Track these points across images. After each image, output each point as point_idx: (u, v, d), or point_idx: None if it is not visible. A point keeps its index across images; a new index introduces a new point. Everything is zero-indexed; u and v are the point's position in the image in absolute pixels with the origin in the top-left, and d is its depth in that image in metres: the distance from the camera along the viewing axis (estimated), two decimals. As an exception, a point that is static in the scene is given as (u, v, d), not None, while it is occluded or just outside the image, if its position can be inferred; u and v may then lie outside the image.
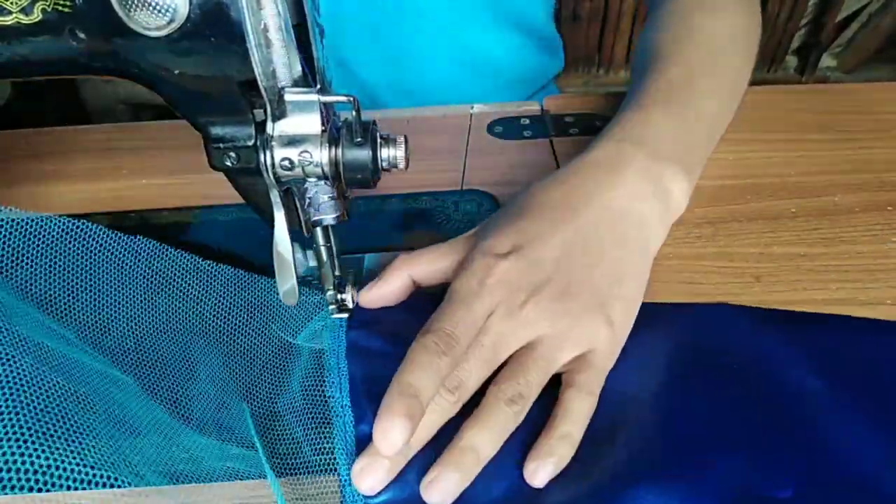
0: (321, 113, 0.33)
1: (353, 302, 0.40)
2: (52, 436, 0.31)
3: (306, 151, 0.33)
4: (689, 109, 0.45)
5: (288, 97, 0.32)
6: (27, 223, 0.40)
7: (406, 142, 0.36)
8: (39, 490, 0.28)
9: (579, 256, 0.37)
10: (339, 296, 0.40)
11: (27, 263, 0.40)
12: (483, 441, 0.32)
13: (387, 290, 0.39)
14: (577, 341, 0.36)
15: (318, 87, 0.33)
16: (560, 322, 0.35)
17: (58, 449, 0.30)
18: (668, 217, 0.43)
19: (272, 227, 0.39)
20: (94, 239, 0.41)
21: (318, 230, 0.38)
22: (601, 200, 0.39)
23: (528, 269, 0.36)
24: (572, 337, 0.36)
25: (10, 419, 0.30)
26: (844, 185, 0.54)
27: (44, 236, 0.41)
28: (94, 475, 0.30)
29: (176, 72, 0.32)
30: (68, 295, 0.40)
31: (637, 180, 0.40)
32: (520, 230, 0.38)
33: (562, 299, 0.36)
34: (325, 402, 0.37)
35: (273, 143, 0.33)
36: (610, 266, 0.38)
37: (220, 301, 0.42)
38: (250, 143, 0.33)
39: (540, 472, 0.32)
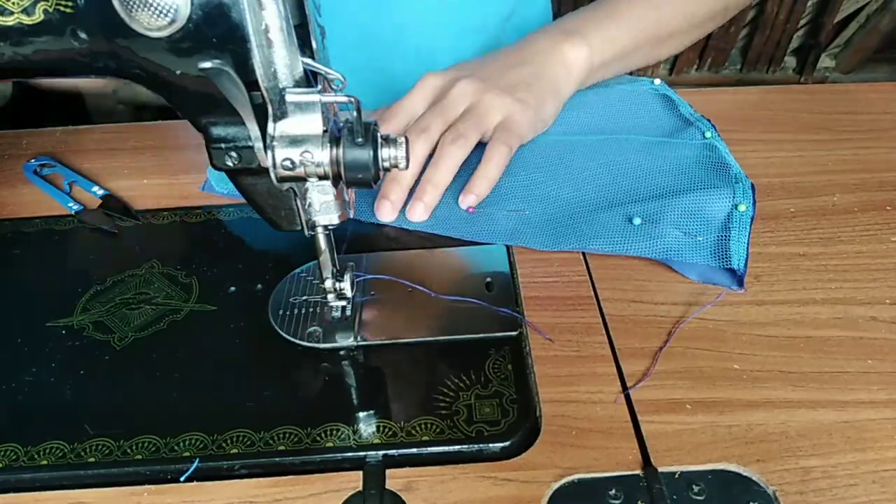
0: (323, 113, 0.33)
1: (352, 291, 0.42)
2: None
3: (308, 151, 0.33)
4: (614, 9, 0.61)
5: (289, 98, 0.33)
6: None
7: (406, 142, 0.36)
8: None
9: (499, 65, 0.57)
10: (337, 285, 0.41)
11: None
12: (439, 176, 0.50)
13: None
14: (498, 108, 0.53)
15: (319, 87, 0.33)
16: (485, 95, 0.53)
17: None
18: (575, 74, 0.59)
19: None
20: None
21: (319, 229, 0.38)
22: (520, 45, 0.59)
23: (459, 70, 0.56)
24: (494, 105, 0.53)
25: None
26: (843, 185, 0.54)
27: None
28: None
29: (177, 72, 0.32)
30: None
31: (545, 38, 0.59)
32: (459, 67, 0.57)
33: (485, 83, 0.54)
34: None
35: (275, 143, 0.33)
36: (524, 74, 0.56)
37: None
38: (251, 143, 0.33)
39: (466, 200, 0.51)
